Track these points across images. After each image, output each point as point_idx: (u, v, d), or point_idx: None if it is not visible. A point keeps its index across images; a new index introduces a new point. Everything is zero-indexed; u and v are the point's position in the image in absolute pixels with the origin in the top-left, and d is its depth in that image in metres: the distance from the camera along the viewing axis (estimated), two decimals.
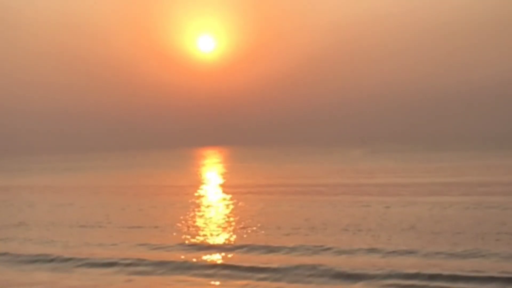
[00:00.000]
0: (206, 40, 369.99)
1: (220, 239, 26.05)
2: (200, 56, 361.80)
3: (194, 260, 22.03)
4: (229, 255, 22.75)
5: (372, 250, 22.02)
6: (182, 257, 22.62)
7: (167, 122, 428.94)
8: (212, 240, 25.91)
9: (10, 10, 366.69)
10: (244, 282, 19.10)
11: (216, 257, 22.61)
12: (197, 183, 62.43)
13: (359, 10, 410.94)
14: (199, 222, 31.63)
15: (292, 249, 22.88)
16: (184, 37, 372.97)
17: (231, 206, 38.34)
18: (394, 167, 77.52)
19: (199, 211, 36.31)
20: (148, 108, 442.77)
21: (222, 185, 58.73)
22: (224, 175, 79.06)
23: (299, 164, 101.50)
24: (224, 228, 29.00)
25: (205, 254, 23.01)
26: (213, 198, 45.24)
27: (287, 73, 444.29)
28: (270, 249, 23.17)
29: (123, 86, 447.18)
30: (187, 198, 44.38)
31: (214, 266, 21.25)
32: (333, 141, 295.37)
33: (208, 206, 39.10)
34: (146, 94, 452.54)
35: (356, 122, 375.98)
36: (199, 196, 46.45)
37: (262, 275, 19.54)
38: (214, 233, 27.75)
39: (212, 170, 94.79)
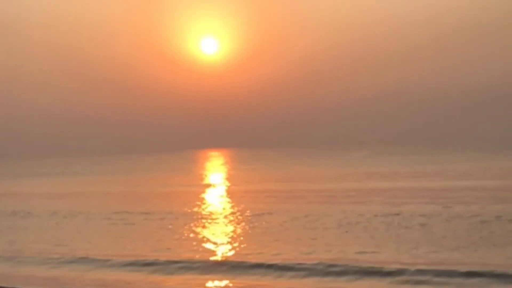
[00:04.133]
0: (209, 42, 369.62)
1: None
2: (204, 58, 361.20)
3: None
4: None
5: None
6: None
7: (170, 124, 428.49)
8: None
9: (11, 14, 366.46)
10: None
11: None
12: (200, 188, 61.85)
13: (361, 12, 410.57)
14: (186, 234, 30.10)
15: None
16: (187, 39, 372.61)
17: (225, 214, 37.49)
18: (397, 171, 77.02)
19: (196, 221, 34.80)
20: (151, 111, 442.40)
21: (225, 190, 58.17)
22: (227, 178, 78.51)
23: (301, 167, 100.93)
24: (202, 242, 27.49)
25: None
26: (213, 206, 44.37)
27: (291, 75, 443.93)
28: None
29: (126, 89, 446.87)
30: (184, 206, 43.19)
31: None
32: (336, 143, 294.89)
33: (204, 215, 37.60)
34: (149, 96, 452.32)
35: (358, 123, 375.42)
36: (200, 203, 45.69)
37: None
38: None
39: (216, 174, 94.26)
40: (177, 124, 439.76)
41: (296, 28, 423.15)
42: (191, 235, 29.60)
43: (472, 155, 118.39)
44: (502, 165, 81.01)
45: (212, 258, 23.59)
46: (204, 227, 32.35)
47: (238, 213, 37.16)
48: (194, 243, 27.28)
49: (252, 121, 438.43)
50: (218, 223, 33.88)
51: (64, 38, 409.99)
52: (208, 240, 27.89)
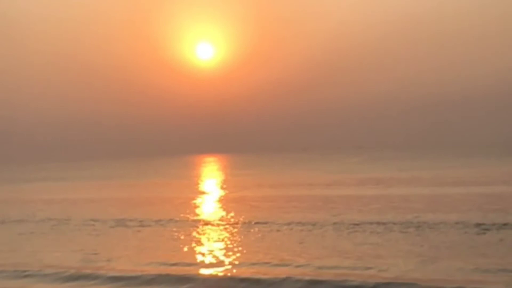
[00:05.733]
0: (205, 48, 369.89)
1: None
2: (199, 63, 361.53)
3: None
4: None
5: None
6: None
7: (166, 130, 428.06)
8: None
9: (10, 20, 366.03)
10: None
11: None
12: (196, 194, 61.14)
13: (357, 17, 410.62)
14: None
15: None
16: (183, 44, 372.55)
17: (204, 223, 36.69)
18: (392, 176, 76.41)
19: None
20: (147, 116, 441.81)
21: (220, 197, 57.52)
22: (223, 185, 77.91)
23: (297, 173, 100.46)
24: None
25: None
26: (208, 213, 43.60)
27: (286, 80, 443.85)
28: None
29: (122, 94, 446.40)
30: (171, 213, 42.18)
31: None
32: (331, 148, 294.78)
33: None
34: (145, 102, 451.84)
35: (354, 128, 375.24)
36: (195, 211, 44.93)
37: None
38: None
39: (212, 180, 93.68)
40: (173, 129, 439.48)
41: (292, 33, 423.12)
42: (185, 245, 28.54)
43: (470, 161, 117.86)
44: (500, 170, 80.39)
45: (208, 272, 22.32)
46: (198, 236, 31.27)
47: (233, 222, 36.29)
48: (188, 254, 26.24)
49: (247, 127, 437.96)
50: (212, 232, 32.84)
51: (61, 43, 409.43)
52: (202, 251, 26.77)
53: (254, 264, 23.05)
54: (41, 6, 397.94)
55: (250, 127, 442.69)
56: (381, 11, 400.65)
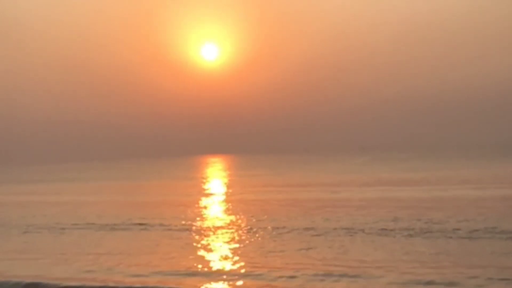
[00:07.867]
0: (209, 49, 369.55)
1: None
2: (204, 64, 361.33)
3: None
4: None
5: None
6: None
7: (171, 130, 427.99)
8: None
9: (10, 20, 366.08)
10: None
11: None
12: (202, 196, 61.15)
13: (361, 18, 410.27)
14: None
15: None
16: (188, 45, 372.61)
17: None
18: (397, 177, 76.42)
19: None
20: (152, 116, 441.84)
21: (225, 199, 57.57)
22: (228, 186, 77.90)
23: (302, 174, 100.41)
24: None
25: None
26: (214, 217, 43.40)
27: (291, 80, 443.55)
28: None
29: (126, 95, 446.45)
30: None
31: None
32: (334, 149, 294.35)
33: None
34: (149, 102, 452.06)
35: (356, 129, 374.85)
36: (200, 214, 44.85)
37: None
38: None
39: (217, 181, 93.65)
40: (178, 129, 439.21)
41: (296, 34, 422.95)
42: (190, 251, 27.73)
43: (473, 162, 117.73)
44: (505, 171, 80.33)
45: (207, 283, 21.28)
46: (203, 242, 30.38)
47: (238, 226, 35.96)
48: (191, 261, 25.28)
49: (252, 127, 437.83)
50: (217, 237, 32.08)
51: (63, 44, 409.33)
52: (203, 259, 25.85)
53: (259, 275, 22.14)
54: (41, 6, 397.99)
55: (254, 128, 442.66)
56: (384, 12, 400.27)
